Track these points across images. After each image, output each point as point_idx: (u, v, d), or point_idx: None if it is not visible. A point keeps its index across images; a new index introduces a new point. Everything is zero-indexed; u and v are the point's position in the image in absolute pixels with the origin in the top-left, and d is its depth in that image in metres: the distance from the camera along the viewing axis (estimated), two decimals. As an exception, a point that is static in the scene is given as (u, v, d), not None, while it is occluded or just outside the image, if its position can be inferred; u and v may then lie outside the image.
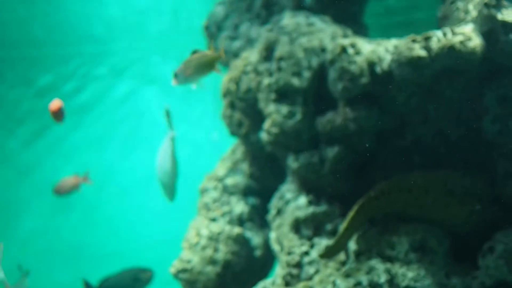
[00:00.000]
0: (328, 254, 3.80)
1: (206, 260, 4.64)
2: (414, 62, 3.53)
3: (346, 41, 3.88)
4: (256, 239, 4.82)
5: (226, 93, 4.67)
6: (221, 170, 5.12)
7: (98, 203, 12.73)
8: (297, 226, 4.16)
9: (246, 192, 5.01)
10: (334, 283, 3.63)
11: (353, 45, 3.84)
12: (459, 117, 3.79)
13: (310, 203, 4.17)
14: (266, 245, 4.75)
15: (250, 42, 4.81)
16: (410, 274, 3.50)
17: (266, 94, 4.18)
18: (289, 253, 4.06)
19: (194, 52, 3.31)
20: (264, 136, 4.23)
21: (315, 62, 4.02)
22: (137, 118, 13.36)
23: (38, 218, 12.62)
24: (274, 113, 4.10)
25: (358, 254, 3.72)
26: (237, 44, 4.94)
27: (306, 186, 4.24)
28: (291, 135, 4.06)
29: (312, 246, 4.05)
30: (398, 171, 3.84)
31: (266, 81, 4.19)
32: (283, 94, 4.09)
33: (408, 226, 3.70)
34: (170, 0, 9.68)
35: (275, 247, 4.33)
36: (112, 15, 10.00)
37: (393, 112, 3.83)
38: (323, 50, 4.04)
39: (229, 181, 5.02)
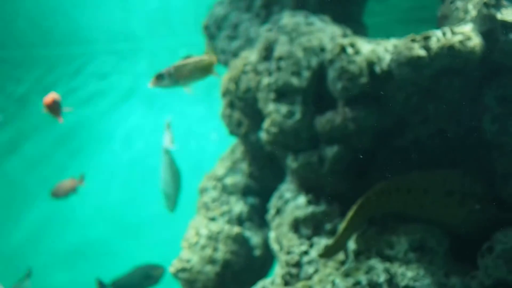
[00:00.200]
0: (327, 253, 3.80)
1: (205, 259, 4.64)
2: (413, 62, 3.53)
3: (345, 41, 3.88)
4: (255, 238, 4.82)
5: (226, 93, 4.67)
6: (220, 169, 5.12)
7: (98, 202, 12.73)
8: (296, 225, 4.16)
9: (245, 192, 5.01)
10: (333, 283, 3.63)
11: (352, 45, 3.84)
12: (459, 117, 3.79)
13: (309, 202, 4.17)
14: (266, 244, 4.76)
15: (249, 41, 4.81)
16: (410, 274, 3.50)
17: (266, 93, 4.18)
18: (289, 253, 4.06)
19: (187, 57, 3.29)
20: (263, 135, 4.23)
21: (314, 61, 4.02)
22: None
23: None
24: (274, 113, 4.10)
25: (358, 254, 3.72)
26: (236, 43, 4.94)
27: (305, 185, 4.24)
28: (291, 135, 4.06)
29: (311, 245, 4.05)
30: (398, 170, 3.84)
31: (265, 80, 4.19)
32: (282, 93, 4.09)
33: (407, 225, 3.71)
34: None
35: (275, 246, 4.33)
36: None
37: (393, 111, 3.82)
38: (322, 49, 4.04)
39: (229, 180, 5.03)
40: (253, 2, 5.01)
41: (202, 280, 4.61)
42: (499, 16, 3.51)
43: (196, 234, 4.77)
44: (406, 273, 3.51)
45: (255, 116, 4.43)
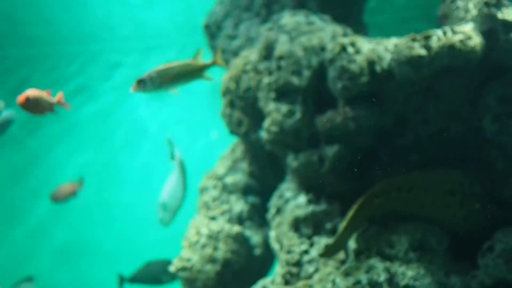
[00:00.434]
0: (327, 253, 3.80)
1: (205, 258, 4.64)
2: (414, 61, 3.52)
3: (346, 40, 3.88)
4: (255, 237, 4.82)
5: (226, 92, 4.67)
6: (220, 168, 5.12)
7: (98, 202, 12.73)
8: (296, 225, 4.16)
9: (245, 191, 5.01)
10: (333, 282, 3.63)
11: (353, 44, 3.84)
12: (459, 116, 3.79)
13: (309, 202, 4.18)
14: (266, 243, 4.76)
15: (249, 41, 4.81)
16: (410, 273, 3.50)
17: (266, 93, 4.18)
18: (289, 252, 4.06)
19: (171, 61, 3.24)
20: (263, 135, 4.23)
21: (314, 61, 4.02)
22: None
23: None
24: (274, 112, 4.10)
25: (358, 253, 3.72)
26: (237, 43, 4.94)
27: (306, 185, 4.24)
28: (291, 134, 4.06)
29: (311, 245, 4.05)
30: (398, 170, 3.84)
31: (266, 80, 4.19)
32: (282, 93, 4.09)
33: (407, 225, 3.71)
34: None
35: (275, 245, 4.33)
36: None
37: (393, 111, 3.82)
38: (322, 49, 4.03)
39: (229, 179, 5.03)
40: (253, 1, 5.01)
41: (202, 279, 4.61)
42: (499, 15, 3.51)
43: (197, 233, 4.77)
44: (406, 272, 3.51)
45: (256, 116, 4.43)
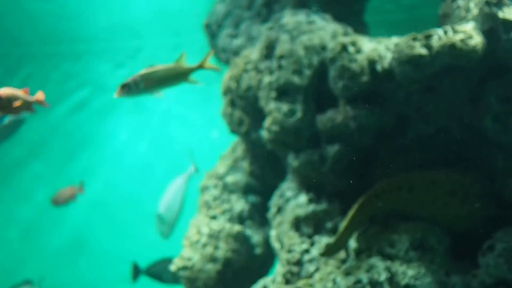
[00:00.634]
0: (328, 252, 3.80)
1: (206, 257, 4.65)
2: (414, 60, 3.52)
3: (346, 39, 3.88)
4: (256, 237, 4.82)
5: (227, 91, 4.67)
6: (221, 168, 5.12)
7: (99, 201, 12.74)
8: (297, 224, 4.16)
9: (246, 190, 5.01)
10: (334, 281, 3.63)
11: (353, 43, 3.84)
12: (460, 116, 3.79)
13: (310, 201, 4.18)
14: (266, 243, 4.76)
15: (250, 40, 4.81)
16: (410, 272, 3.50)
17: (267, 92, 4.18)
18: (290, 251, 4.06)
19: (151, 66, 3.19)
20: (264, 134, 4.23)
21: (315, 60, 4.02)
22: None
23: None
24: (275, 111, 4.10)
25: (359, 252, 3.72)
26: (237, 42, 4.94)
27: (307, 184, 4.24)
28: (292, 133, 4.06)
29: (312, 244, 4.05)
30: (399, 169, 3.84)
31: (266, 79, 4.19)
32: (283, 92, 4.09)
33: (408, 224, 3.71)
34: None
35: (276, 245, 4.33)
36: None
37: (394, 110, 3.82)
38: (323, 48, 4.03)
39: (230, 179, 5.03)
40: (254, 0, 5.01)
41: (203, 278, 4.61)
42: (500, 14, 3.51)
43: (197, 232, 4.77)
44: (407, 271, 3.51)
45: (256, 115, 4.43)
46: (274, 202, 4.50)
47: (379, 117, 3.81)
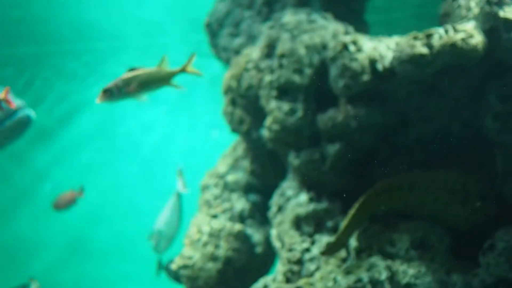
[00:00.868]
0: (329, 251, 3.80)
1: (207, 256, 4.65)
2: (415, 59, 3.52)
3: (347, 38, 3.88)
4: (257, 236, 4.82)
5: (228, 90, 4.67)
6: (222, 167, 5.12)
7: (99, 200, 12.75)
8: (298, 223, 4.16)
9: (247, 189, 5.01)
10: (335, 280, 3.63)
11: (354, 42, 3.84)
12: (461, 115, 3.79)
13: (311, 200, 4.18)
14: (267, 242, 4.76)
15: (251, 39, 4.80)
16: (411, 271, 3.51)
17: (268, 91, 4.18)
18: (290, 250, 4.06)
19: (131, 69, 3.13)
20: (265, 133, 4.23)
21: (316, 59, 4.02)
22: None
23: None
24: (276, 110, 4.10)
25: (359, 251, 3.73)
26: (238, 41, 4.93)
27: (307, 183, 4.24)
28: (292, 132, 4.06)
29: (313, 243, 4.05)
30: (399, 168, 3.84)
31: (267, 78, 4.19)
32: (284, 91, 4.10)
33: (409, 223, 3.71)
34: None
35: (276, 244, 4.33)
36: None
37: (395, 109, 3.82)
38: (324, 47, 4.03)
39: (230, 178, 5.03)
40: (255, -1, 5.00)
41: (204, 277, 4.62)
42: (501, 13, 3.51)
43: (198, 231, 4.78)
44: (408, 270, 3.51)
45: (257, 114, 4.43)
46: (275, 201, 4.51)
47: (380, 116, 3.81)
